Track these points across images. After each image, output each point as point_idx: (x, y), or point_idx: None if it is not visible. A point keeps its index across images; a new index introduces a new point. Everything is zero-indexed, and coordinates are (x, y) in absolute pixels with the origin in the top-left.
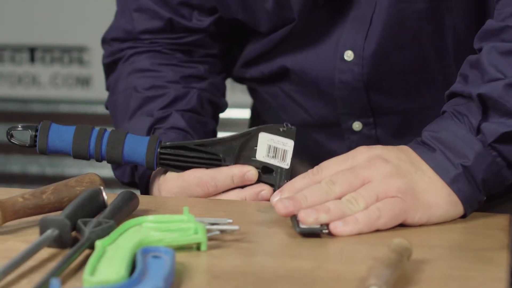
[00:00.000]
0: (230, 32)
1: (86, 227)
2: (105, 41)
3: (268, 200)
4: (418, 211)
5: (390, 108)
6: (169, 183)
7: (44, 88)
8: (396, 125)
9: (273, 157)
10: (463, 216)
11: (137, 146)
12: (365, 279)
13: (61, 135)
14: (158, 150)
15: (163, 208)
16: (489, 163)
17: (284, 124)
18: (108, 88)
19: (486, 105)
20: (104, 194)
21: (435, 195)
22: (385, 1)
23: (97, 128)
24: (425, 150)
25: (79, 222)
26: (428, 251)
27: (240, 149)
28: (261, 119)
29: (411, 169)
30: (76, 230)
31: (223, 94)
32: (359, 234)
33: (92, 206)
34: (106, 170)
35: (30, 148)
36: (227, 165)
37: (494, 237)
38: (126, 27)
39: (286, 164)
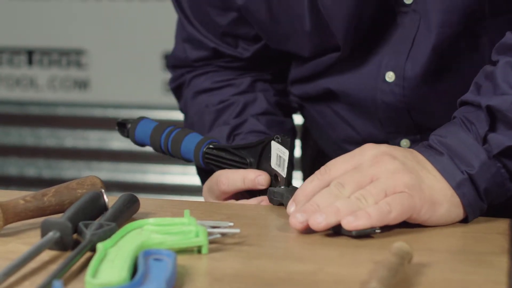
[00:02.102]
0: (278, 56)
1: (88, 229)
2: (168, 66)
3: (264, 187)
4: (424, 206)
5: (435, 127)
6: (206, 182)
7: (42, 91)
8: None
9: (278, 165)
10: (465, 221)
11: (190, 145)
12: (366, 282)
13: (145, 130)
14: (204, 150)
15: (164, 211)
16: (493, 173)
17: (278, 135)
18: (181, 111)
19: (495, 117)
20: (105, 196)
21: (439, 193)
22: (427, 23)
23: (171, 127)
24: (432, 153)
25: (81, 224)
26: (429, 255)
27: (261, 155)
28: (311, 136)
29: (417, 167)
30: (78, 232)
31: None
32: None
33: (94, 208)
34: (104, 173)
35: (33, 150)
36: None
37: (494, 241)
38: (180, 55)
39: (284, 172)
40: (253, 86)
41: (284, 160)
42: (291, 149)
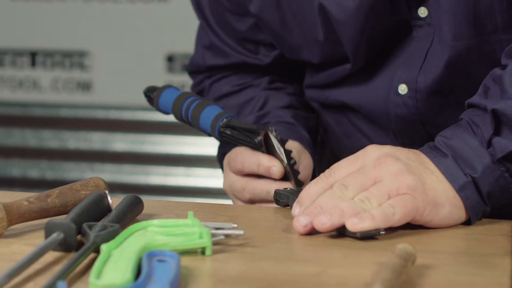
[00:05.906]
0: (295, 63)
1: (91, 230)
2: (188, 72)
3: (277, 177)
4: (426, 207)
5: None
6: (227, 155)
7: (45, 93)
8: None
9: (280, 153)
10: (467, 223)
11: (208, 118)
12: (369, 284)
13: (168, 99)
14: (219, 125)
15: (168, 212)
16: (496, 177)
17: (271, 129)
18: None
19: (500, 121)
20: (109, 198)
21: (441, 194)
22: (440, 36)
23: (193, 97)
24: (437, 155)
25: (84, 225)
26: (432, 257)
27: (265, 139)
28: (327, 146)
29: (420, 168)
30: (81, 233)
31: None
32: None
33: (97, 210)
34: (107, 175)
35: (36, 152)
36: (261, 151)
37: (497, 243)
38: (198, 61)
39: (284, 160)
40: (273, 85)
41: (282, 151)
42: (283, 143)
